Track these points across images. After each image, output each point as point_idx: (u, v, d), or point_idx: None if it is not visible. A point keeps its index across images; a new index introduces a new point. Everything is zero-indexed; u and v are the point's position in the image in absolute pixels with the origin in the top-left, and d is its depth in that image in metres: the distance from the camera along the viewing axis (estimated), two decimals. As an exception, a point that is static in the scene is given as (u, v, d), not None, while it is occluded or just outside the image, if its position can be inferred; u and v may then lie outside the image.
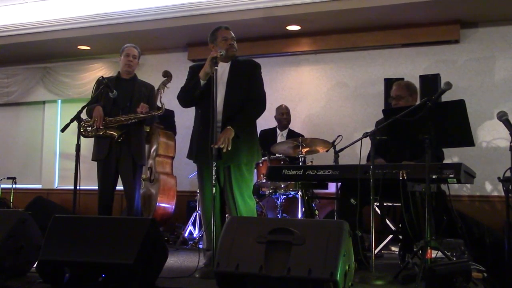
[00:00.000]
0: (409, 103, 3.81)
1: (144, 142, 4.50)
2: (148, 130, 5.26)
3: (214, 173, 3.23)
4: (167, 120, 5.71)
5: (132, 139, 4.26)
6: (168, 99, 4.71)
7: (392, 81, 5.42)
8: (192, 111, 3.68)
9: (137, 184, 4.35)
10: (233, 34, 3.59)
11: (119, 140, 4.15)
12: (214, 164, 3.23)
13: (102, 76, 4.43)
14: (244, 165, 3.47)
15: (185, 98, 3.55)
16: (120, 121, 4.20)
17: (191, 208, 5.85)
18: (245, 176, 3.47)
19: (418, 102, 3.86)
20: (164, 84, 4.56)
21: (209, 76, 3.37)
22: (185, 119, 4.77)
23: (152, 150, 5.60)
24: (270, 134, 5.72)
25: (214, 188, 3.24)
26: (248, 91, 3.50)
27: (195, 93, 3.45)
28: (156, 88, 4.50)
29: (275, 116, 5.80)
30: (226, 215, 3.67)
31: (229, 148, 3.32)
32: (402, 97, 3.91)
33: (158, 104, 4.34)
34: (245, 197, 3.46)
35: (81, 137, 3.88)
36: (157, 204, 5.48)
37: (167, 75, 4.62)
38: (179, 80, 3.66)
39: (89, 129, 4.23)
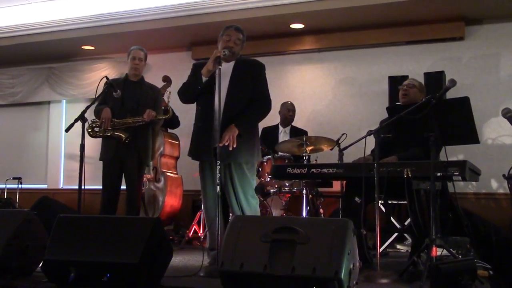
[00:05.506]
0: (417, 97, 3.82)
1: (150, 143, 4.55)
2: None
3: (218, 172, 3.21)
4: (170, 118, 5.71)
5: (139, 141, 4.35)
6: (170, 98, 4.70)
7: (396, 78, 5.42)
8: (194, 109, 3.66)
9: (141, 183, 4.47)
10: (241, 37, 3.52)
11: (126, 142, 4.23)
12: (218, 163, 3.21)
13: (106, 76, 4.46)
14: (245, 164, 3.45)
15: (185, 94, 3.54)
16: (128, 123, 4.28)
17: (195, 207, 5.86)
18: (246, 175, 3.45)
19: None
20: (165, 88, 4.57)
21: (210, 74, 3.37)
22: (188, 118, 4.77)
23: (157, 151, 5.62)
24: (272, 131, 5.69)
25: (218, 187, 3.22)
26: (251, 92, 3.48)
27: (196, 89, 3.45)
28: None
29: (279, 111, 5.75)
30: (230, 214, 3.65)
31: (235, 146, 3.30)
32: (414, 86, 3.91)
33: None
34: (248, 196, 3.44)
35: (86, 138, 3.90)
36: (165, 203, 5.50)
37: (167, 80, 4.62)
38: (184, 79, 3.65)
39: (96, 129, 4.33)
